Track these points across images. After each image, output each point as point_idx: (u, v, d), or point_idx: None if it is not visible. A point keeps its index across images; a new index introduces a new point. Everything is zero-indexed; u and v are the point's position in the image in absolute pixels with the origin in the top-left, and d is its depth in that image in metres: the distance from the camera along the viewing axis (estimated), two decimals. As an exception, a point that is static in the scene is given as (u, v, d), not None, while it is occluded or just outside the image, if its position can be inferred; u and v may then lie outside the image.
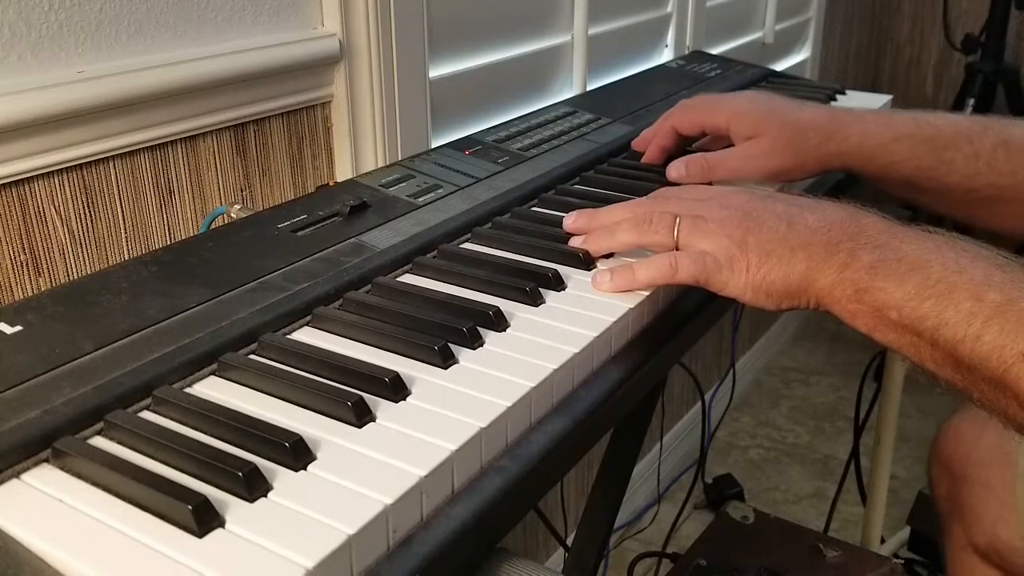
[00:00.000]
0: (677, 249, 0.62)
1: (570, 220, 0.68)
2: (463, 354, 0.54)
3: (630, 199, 0.78)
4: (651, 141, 0.88)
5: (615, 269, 0.61)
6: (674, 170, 0.80)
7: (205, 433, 0.46)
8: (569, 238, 0.68)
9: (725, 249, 0.60)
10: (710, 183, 0.79)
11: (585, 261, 0.65)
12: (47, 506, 0.41)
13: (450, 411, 0.48)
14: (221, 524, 0.40)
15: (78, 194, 0.75)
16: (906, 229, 0.58)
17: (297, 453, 0.44)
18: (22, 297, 0.66)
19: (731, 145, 0.82)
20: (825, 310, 0.59)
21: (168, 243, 0.75)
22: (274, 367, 0.52)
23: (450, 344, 0.53)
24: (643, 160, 0.87)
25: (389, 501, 0.41)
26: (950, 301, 0.52)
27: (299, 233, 0.66)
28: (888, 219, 0.59)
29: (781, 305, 0.60)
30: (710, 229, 0.61)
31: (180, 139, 0.81)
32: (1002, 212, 0.80)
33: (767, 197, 0.63)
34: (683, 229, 0.61)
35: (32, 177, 0.71)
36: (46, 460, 0.44)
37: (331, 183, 0.79)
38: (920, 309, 0.53)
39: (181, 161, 0.82)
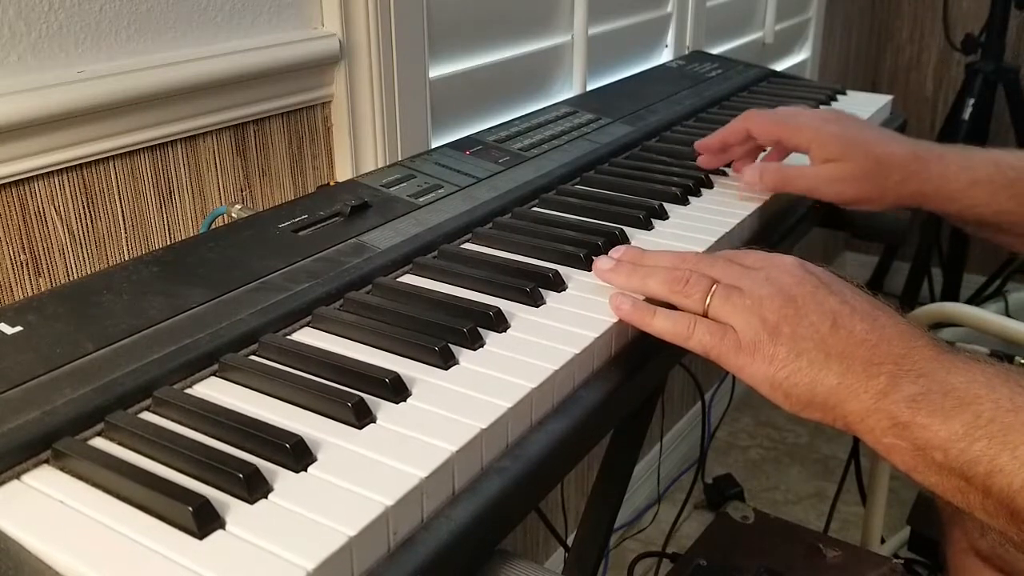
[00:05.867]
0: (706, 316, 0.58)
1: (617, 253, 0.64)
2: (463, 355, 0.54)
3: (628, 197, 0.78)
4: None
5: (637, 303, 0.59)
6: (748, 174, 0.79)
7: (205, 434, 0.46)
8: (570, 239, 0.68)
9: (754, 332, 0.55)
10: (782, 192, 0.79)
11: (586, 261, 0.65)
12: (47, 507, 0.41)
13: (451, 412, 0.48)
14: (221, 525, 0.40)
15: (78, 194, 0.75)
16: (955, 357, 0.53)
17: (298, 454, 0.43)
18: (22, 297, 0.66)
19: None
20: (854, 435, 0.54)
21: (168, 243, 0.75)
22: (275, 368, 0.52)
23: (451, 345, 0.53)
24: (700, 155, 0.86)
25: (390, 502, 0.41)
26: (1005, 445, 0.47)
27: (300, 233, 0.66)
28: (940, 344, 0.54)
29: (800, 413, 0.55)
30: (744, 305, 0.56)
31: (180, 139, 0.81)
32: None
33: (821, 285, 0.57)
34: (715, 299, 0.58)
35: (32, 177, 0.71)
36: (46, 461, 0.44)
37: (331, 183, 0.79)
38: (969, 452, 0.48)
39: (181, 161, 0.82)
